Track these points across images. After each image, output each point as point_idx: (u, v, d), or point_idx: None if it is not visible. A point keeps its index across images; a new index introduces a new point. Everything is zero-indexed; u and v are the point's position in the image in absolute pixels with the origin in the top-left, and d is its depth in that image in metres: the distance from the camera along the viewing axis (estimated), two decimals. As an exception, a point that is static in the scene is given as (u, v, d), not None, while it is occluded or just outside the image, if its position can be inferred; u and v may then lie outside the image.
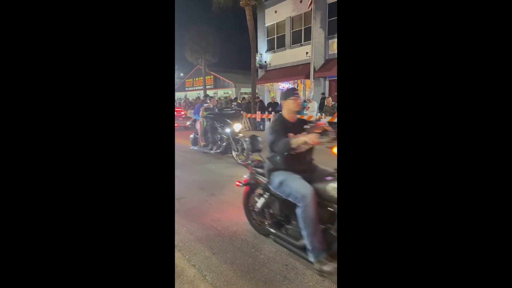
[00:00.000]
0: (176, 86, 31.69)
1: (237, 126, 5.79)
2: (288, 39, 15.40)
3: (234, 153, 5.77)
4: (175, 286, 1.91)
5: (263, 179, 2.32)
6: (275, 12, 15.85)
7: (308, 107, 9.75)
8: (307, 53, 13.64)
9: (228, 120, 5.87)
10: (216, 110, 6.64)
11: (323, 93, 11.20)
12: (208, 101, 7.32)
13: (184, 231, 2.73)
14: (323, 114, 8.73)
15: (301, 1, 14.16)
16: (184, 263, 2.18)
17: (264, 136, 2.33)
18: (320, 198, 1.90)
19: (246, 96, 16.83)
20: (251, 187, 2.59)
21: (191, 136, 7.09)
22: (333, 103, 8.89)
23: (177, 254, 2.31)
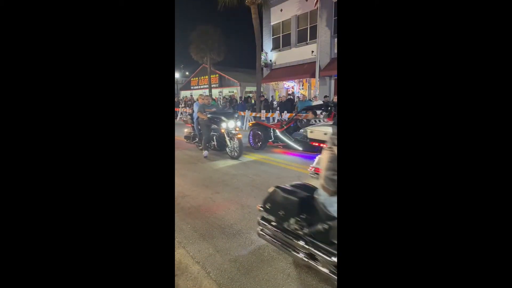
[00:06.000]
0: (181, 85, 31.84)
1: (231, 124, 5.96)
2: (293, 38, 15.35)
3: (228, 150, 6.04)
4: (180, 283, 1.94)
5: None
6: (281, 10, 15.81)
7: None
8: (312, 51, 13.58)
9: (224, 118, 6.00)
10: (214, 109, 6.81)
11: (326, 96, 11.07)
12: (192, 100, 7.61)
13: (188, 228, 2.76)
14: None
15: (307, 0, 14.09)
16: (188, 260, 2.21)
17: None
18: None
19: (251, 95, 16.82)
20: None
21: (186, 130, 7.44)
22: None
23: (181, 251, 2.34)
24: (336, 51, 12.98)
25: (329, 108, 6.82)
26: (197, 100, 7.31)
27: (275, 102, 13.93)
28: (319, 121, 6.62)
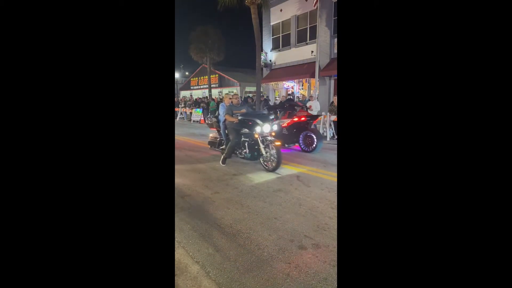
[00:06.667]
0: (181, 85, 31.86)
1: (267, 128, 4.95)
2: (293, 38, 15.36)
3: (261, 160, 5.04)
4: (179, 283, 1.94)
5: None
6: (280, 10, 15.82)
7: (310, 106, 9.29)
8: (312, 51, 13.60)
9: (258, 121, 4.95)
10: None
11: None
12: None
13: (188, 228, 2.76)
14: (328, 113, 8.68)
15: (306, 0, 14.10)
16: (188, 260, 2.21)
17: None
18: None
19: (251, 95, 16.83)
20: None
21: (210, 136, 6.54)
22: (338, 102, 8.77)
23: (181, 251, 2.34)
24: (336, 51, 12.99)
25: (285, 107, 7.58)
26: (223, 100, 6.28)
27: (270, 103, 13.95)
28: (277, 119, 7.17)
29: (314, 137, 6.47)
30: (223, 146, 5.90)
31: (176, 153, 6.36)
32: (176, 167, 5.06)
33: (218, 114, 6.33)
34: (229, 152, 5.25)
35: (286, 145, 6.86)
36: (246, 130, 5.15)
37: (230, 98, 5.74)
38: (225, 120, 5.53)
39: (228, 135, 5.58)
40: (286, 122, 6.84)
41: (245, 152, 5.22)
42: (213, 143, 6.41)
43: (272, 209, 3.21)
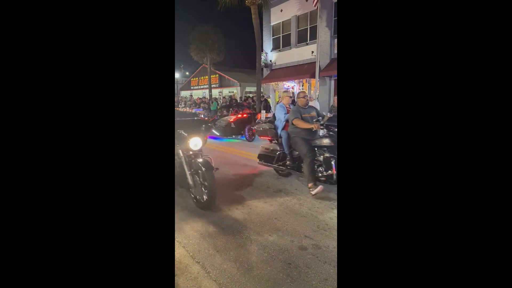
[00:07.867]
0: (181, 85, 31.89)
1: None
2: (293, 38, 15.36)
3: None
4: (180, 283, 1.94)
5: None
6: (281, 11, 15.82)
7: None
8: (312, 52, 13.59)
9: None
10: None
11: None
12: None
13: (188, 228, 2.76)
14: (328, 113, 8.66)
15: (307, 0, 14.11)
16: (188, 260, 2.21)
17: None
18: None
19: (251, 95, 16.84)
20: None
21: (263, 147, 4.67)
22: (338, 103, 8.89)
23: (181, 251, 2.34)
24: (336, 51, 12.98)
25: (234, 105, 10.36)
26: (281, 99, 4.50)
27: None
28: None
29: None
30: (288, 162, 4.16)
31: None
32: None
33: (274, 118, 4.54)
34: (312, 174, 3.58)
35: (234, 136, 9.00)
36: (326, 141, 3.55)
37: (290, 97, 4.20)
38: (284, 126, 4.10)
39: (291, 147, 4.04)
40: (233, 118, 8.82)
41: (328, 174, 3.51)
42: (268, 157, 4.46)
43: (272, 209, 3.21)
